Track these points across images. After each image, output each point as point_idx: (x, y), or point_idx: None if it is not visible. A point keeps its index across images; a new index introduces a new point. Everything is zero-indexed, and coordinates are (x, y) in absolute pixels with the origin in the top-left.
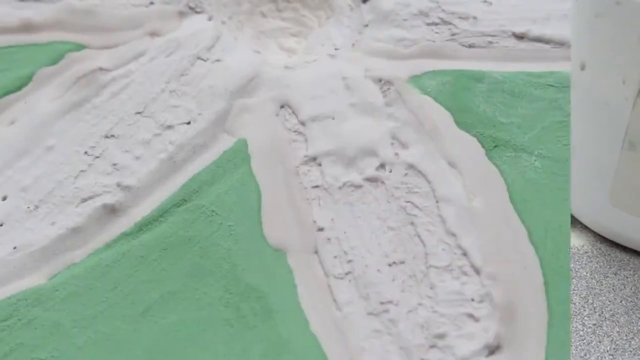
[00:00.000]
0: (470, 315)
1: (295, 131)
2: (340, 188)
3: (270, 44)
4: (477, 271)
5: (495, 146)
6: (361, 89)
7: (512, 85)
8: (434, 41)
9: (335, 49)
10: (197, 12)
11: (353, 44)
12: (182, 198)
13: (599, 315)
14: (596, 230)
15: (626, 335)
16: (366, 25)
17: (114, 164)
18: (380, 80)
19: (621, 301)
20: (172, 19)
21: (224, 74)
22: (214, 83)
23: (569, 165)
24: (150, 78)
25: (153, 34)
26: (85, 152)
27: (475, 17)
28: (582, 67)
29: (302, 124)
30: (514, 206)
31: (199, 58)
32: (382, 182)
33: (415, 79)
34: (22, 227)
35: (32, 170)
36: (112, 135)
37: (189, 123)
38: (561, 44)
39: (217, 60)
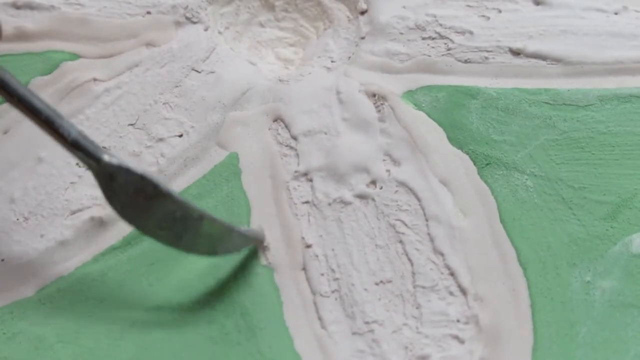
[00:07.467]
0: (455, 337)
1: (287, 145)
2: (330, 204)
3: (267, 54)
4: (464, 292)
5: (488, 164)
6: (355, 104)
7: (507, 102)
8: (429, 55)
9: (332, 62)
10: (193, 23)
11: (349, 57)
12: None
13: None
14: None
15: None
16: (363, 38)
17: None
18: (374, 95)
19: None
20: (168, 29)
21: (217, 86)
22: (207, 95)
23: (561, 185)
24: (144, 89)
25: (148, 44)
26: (77, 164)
27: (471, 32)
28: None
29: (294, 138)
30: (504, 226)
31: (193, 69)
32: (372, 199)
33: (410, 94)
34: (10, 239)
35: (23, 181)
36: (104, 147)
37: (180, 136)
38: (557, 60)
39: (211, 72)
